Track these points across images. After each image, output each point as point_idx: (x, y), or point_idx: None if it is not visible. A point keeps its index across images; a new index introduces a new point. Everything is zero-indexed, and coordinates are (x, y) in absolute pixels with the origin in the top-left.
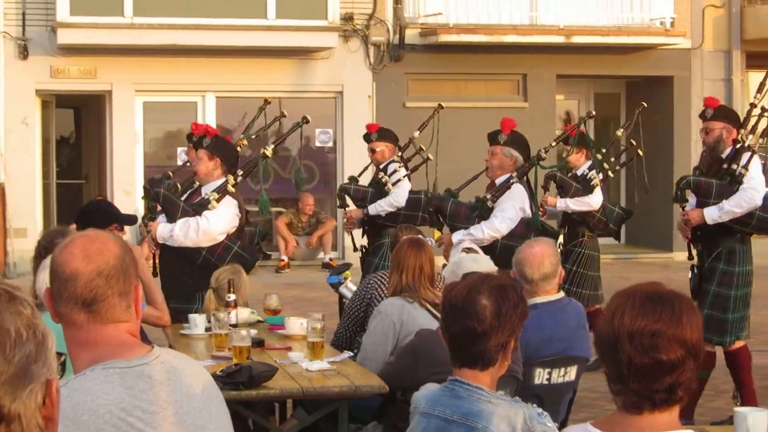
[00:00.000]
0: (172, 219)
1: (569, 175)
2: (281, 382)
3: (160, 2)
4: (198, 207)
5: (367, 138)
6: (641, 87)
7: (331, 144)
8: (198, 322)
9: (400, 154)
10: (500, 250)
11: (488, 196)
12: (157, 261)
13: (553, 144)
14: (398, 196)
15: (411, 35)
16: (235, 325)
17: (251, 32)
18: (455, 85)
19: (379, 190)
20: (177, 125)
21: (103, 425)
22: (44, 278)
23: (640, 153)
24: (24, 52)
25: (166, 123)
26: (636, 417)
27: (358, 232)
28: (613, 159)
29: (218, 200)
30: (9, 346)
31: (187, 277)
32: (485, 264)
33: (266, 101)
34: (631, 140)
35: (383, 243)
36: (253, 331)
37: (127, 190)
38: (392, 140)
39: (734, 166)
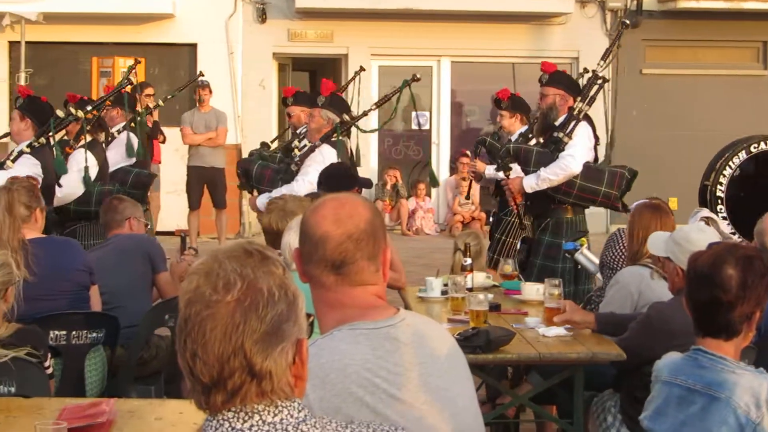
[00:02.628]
0: None
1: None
2: (518, 347)
3: None
4: None
5: (284, 102)
6: None
7: None
8: (434, 285)
9: None
10: None
11: (296, 159)
12: None
13: (374, 107)
14: None
15: (649, 1)
16: (471, 289)
17: None
18: (692, 52)
19: (286, 155)
20: (412, 89)
21: (350, 385)
22: (289, 239)
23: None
24: (262, 16)
25: None
26: None
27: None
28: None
29: (14, 160)
30: (262, 305)
31: None
32: (712, 234)
33: (136, 60)
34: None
35: None
36: (490, 296)
37: (361, 153)
38: (309, 105)
39: (560, 134)
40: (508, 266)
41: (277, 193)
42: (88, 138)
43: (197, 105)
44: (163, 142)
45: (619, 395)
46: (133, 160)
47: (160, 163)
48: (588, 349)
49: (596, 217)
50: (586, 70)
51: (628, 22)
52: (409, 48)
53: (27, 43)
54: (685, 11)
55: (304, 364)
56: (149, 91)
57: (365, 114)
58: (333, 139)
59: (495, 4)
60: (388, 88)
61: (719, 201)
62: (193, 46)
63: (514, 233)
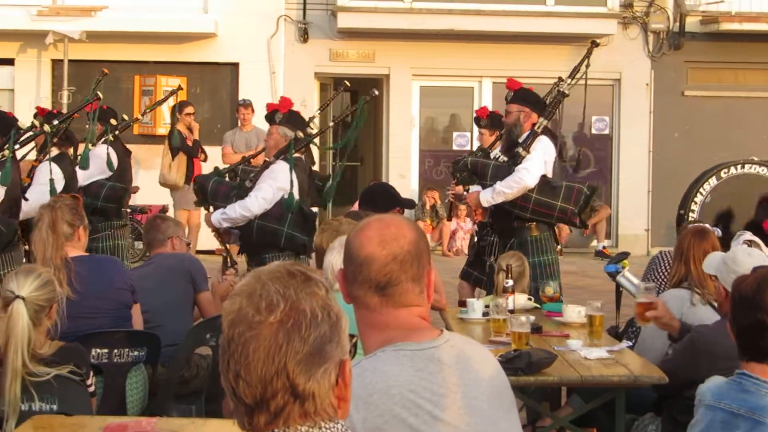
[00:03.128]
0: None
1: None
2: (560, 370)
3: None
4: None
5: (267, 118)
6: None
7: (607, 131)
8: (476, 306)
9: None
10: (256, 232)
11: (251, 175)
12: None
13: (331, 125)
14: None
15: (691, 23)
16: (512, 311)
17: (530, 18)
18: (734, 74)
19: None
20: (453, 110)
21: (393, 406)
22: (331, 259)
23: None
24: (304, 36)
25: (442, 107)
26: None
27: None
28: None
29: None
30: (305, 326)
31: None
32: (759, 257)
33: (103, 73)
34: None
35: None
36: (531, 318)
37: (402, 174)
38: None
39: (519, 149)
40: (550, 288)
41: (230, 209)
42: (56, 151)
43: (239, 124)
44: (205, 160)
45: (660, 419)
46: (109, 173)
47: None
48: (630, 371)
49: (638, 240)
50: (557, 84)
51: (598, 42)
52: (451, 68)
53: (70, 61)
54: (728, 33)
55: (347, 385)
56: (189, 110)
57: (322, 132)
58: (296, 155)
59: (537, 26)
60: (429, 109)
61: None
62: (235, 65)
63: (479, 251)
